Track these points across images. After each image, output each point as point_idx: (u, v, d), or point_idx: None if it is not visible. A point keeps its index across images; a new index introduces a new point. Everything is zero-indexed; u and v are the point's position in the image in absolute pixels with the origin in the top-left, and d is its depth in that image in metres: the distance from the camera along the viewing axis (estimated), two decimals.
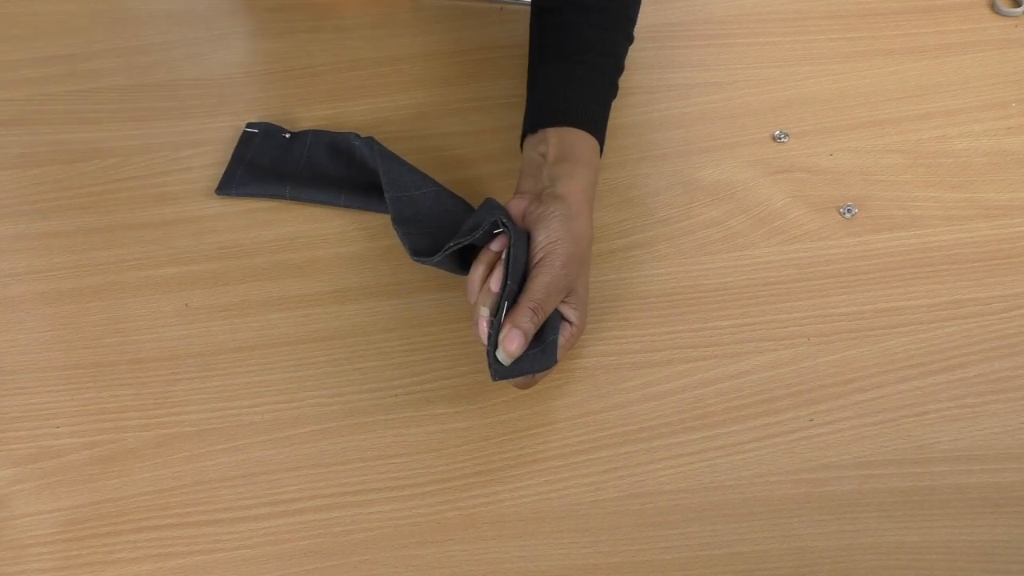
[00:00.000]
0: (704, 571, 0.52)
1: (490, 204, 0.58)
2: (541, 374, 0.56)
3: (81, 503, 0.54)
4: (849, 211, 0.68)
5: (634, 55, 0.67)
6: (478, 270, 0.57)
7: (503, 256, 0.56)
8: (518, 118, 0.66)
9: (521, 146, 0.64)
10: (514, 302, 0.54)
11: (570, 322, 0.57)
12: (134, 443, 0.57)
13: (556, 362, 0.56)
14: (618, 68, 0.68)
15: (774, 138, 0.73)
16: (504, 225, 0.56)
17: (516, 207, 0.59)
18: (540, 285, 0.54)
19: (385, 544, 0.53)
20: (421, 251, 0.60)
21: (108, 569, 0.52)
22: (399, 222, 0.63)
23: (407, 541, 0.53)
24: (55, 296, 0.63)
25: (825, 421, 0.58)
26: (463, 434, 0.57)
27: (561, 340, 0.56)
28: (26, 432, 0.57)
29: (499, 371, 0.54)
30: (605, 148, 0.65)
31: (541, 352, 0.55)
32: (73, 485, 0.55)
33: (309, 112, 0.74)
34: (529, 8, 0.70)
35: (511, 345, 0.53)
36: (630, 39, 0.68)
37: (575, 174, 0.59)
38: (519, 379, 0.56)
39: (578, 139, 0.61)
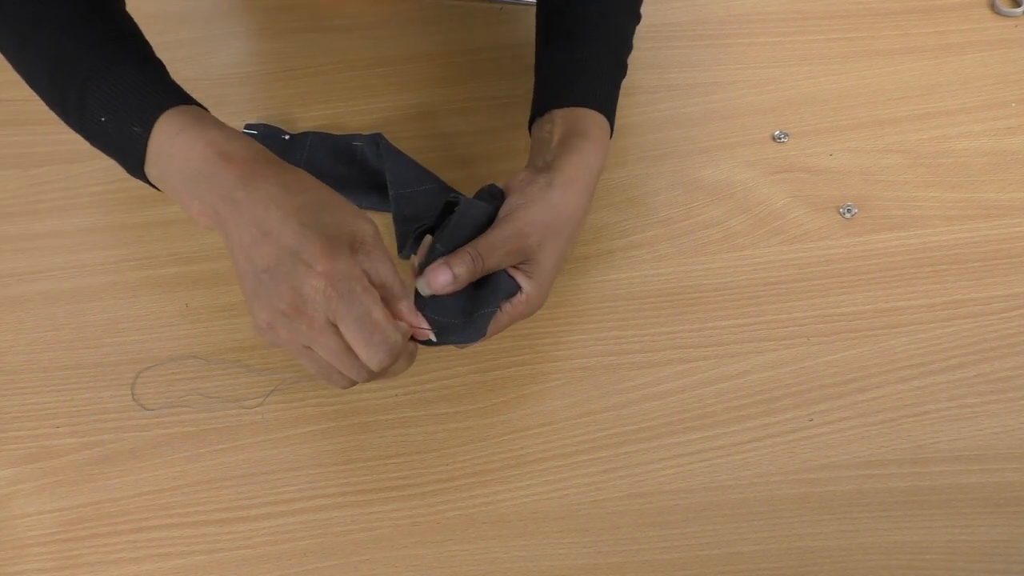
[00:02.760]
0: (704, 571, 0.52)
1: (489, 187, 0.58)
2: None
3: (81, 503, 0.54)
4: (849, 211, 0.68)
5: (634, 55, 0.67)
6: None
7: (446, 221, 0.55)
8: (518, 118, 0.66)
9: (530, 130, 0.64)
10: None
11: (520, 288, 0.54)
12: (134, 443, 0.57)
13: (484, 335, 0.53)
14: (625, 46, 0.66)
15: (774, 138, 0.73)
16: (455, 199, 0.55)
17: (519, 177, 0.57)
18: (487, 238, 0.53)
19: (385, 544, 0.53)
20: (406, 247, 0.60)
21: (108, 569, 0.52)
22: (399, 220, 0.63)
23: (407, 541, 0.53)
24: (55, 296, 0.63)
25: (825, 421, 0.58)
26: (463, 434, 0.57)
27: (507, 308, 0.54)
28: (26, 432, 0.57)
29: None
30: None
31: (468, 323, 0.53)
32: (73, 485, 0.55)
33: (309, 112, 0.74)
34: (529, 8, 0.70)
35: (435, 278, 0.51)
36: (637, 18, 0.67)
37: (577, 149, 0.58)
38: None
39: (586, 117, 0.60)
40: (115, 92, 0.51)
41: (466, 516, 0.54)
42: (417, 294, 0.52)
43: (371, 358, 0.46)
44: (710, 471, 0.56)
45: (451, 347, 0.57)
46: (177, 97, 0.53)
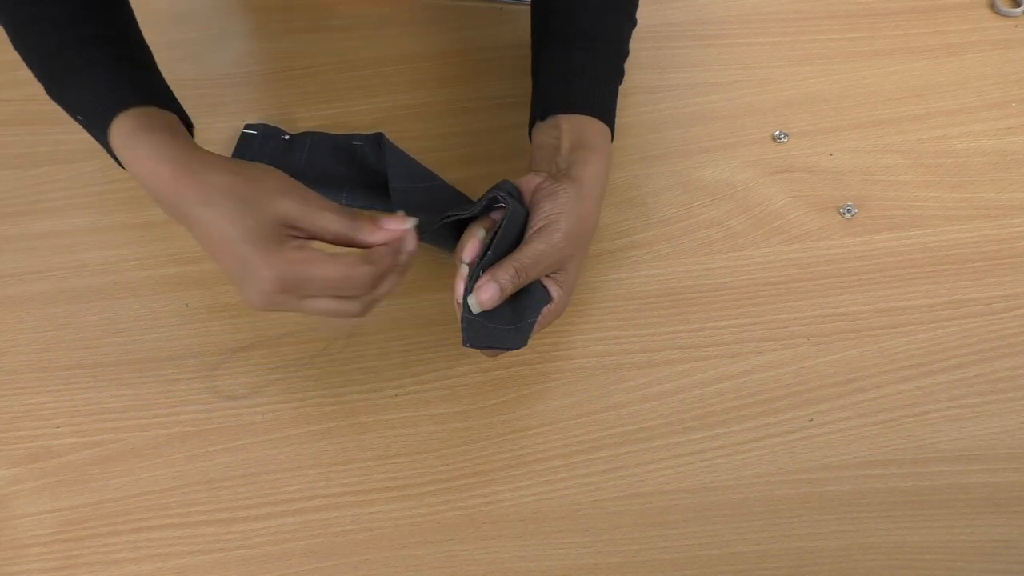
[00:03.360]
0: (704, 571, 0.52)
1: (501, 184, 0.58)
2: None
3: (81, 503, 0.54)
4: (849, 211, 0.68)
5: (634, 55, 0.67)
6: (473, 232, 0.56)
7: (495, 228, 0.55)
8: (518, 118, 0.66)
9: (529, 133, 0.64)
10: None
11: (551, 297, 0.56)
12: (134, 443, 0.57)
13: (525, 344, 0.55)
14: (623, 52, 0.67)
15: (774, 138, 0.73)
16: (503, 200, 0.55)
17: (530, 180, 0.58)
18: (531, 250, 0.54)
19: (385, 544, 0.53)
20: (421, 229, 0.60)
21: (108, 569, 0.52)
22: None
23: (407, 541, 0.53)
24: (55, 296, 0.63)
25: (825, 421, 0.58)
26: (463, 434, 0.57)
27: (539, 316, 0.56)
28: (26, 432, 0.57)
29: (470, 338, 0.53)
30: None
31: (515, 331, 0.55)
32: (73, 485, 0.55)
33: (309, 112, 0.74)
34: (529, 8, 0.70)
35: (484, 294, 0.53)
36: (633, 21, 0.68)
37: (591, 161, 0.59)
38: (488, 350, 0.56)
39: (591, 126, 0.61)
40: (86, 93, 0.54)
41: (466, 516, 0.54)
42: (468, 323, 0.53)
43: (358, 293, 0.50)
44: (710, 471, 0.56)
45: (451, 348, 0.57)
46: (134, 98, 0.54)
